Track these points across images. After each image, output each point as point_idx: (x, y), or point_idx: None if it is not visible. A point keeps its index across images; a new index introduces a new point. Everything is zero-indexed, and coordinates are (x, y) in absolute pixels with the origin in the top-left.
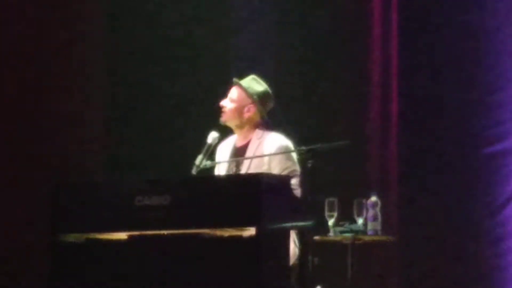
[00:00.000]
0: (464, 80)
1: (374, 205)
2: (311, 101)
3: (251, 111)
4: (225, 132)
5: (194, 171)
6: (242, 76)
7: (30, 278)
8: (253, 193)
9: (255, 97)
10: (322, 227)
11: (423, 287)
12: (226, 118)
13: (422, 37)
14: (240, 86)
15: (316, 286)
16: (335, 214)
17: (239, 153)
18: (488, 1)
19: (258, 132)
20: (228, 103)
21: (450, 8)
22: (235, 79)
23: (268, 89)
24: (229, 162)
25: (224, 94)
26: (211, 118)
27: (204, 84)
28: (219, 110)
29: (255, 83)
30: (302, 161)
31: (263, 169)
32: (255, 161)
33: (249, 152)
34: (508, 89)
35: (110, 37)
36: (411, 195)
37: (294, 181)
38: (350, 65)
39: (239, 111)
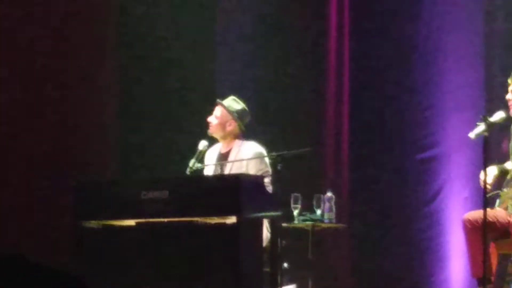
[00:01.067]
0: (401, 99)
1: (329, 199)
2: (279, 115)
3: (232, 125)
4: (212, 141)
5: (187, 171)
6: (225, 96)
7: (60, 256)
8: (234, 189)
9: (235, 114)
10: (289, 217)
11: (368, 264)
12: (213, 131)
13: (370, 60)
14: (223, 105)
15: (283, 263)
16: (299, 206)
17: (223, 158)
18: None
19: (238, 142)
20: (213, 119)
21: (395, 34)
22: (218, 100)
23: (245, 107)
24: (215, 165)
25: (210, 111)
26: (201, 130)
27: (194, 101)
28: (207, 124)
29: (234, 103)
30: (273, 164)
31: (242, 170)
32: (236, 164)
33: (231, 157)
34: (435, 108)
35: (122, 62)
36: (359, 191)
37: (267, 180)
38: (311, 88)
39: (222, 125)
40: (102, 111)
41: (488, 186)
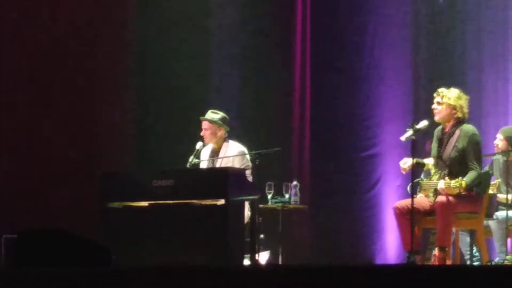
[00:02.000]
0: (350, 111)
1: (295, 186)
2: (255, 122)
3: (220, 131)
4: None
5: (188, 165)
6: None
7: (90, 229)
8: (223, 179)
9: (218, 122)
10: (264, 200)
11: (324, 236)
12: (208, 141)
13: (328, 79)
14: (206, 119)
15: (260, 235)
16: (272, 191)
17: (215, 154)
18: None
19: (226, 143)
20: (205, 132)
21: (345, 65)
22: (201, 117)
23: (224, 114)
24: (209, 160)
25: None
26: (198, 132)
27: (192, 107)
28: (202, 138)
29: (213, 114)
30: (252, 160)
31: (229, 164)
32: (224, 160)
33: (221, 154)
34: (374, 118)
35: (137, 75)
36: (318, 180)
37: (248, 172)
38: (280, 96)
39: (213, 134)
40: (123, 114)
41: (405, 170)
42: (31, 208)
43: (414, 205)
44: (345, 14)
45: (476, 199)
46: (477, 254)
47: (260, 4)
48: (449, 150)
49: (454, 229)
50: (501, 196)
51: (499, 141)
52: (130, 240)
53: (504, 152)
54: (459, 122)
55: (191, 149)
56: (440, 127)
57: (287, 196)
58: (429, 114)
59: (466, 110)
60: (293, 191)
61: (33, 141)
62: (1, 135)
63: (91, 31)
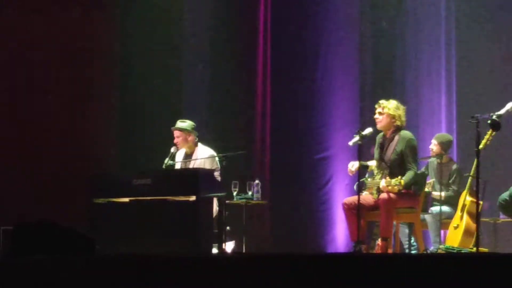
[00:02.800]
0: (306, 119)
1: (257, 184)
2: (224, 126)
3: (190, 137)
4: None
5: (163, 166)
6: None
7: (77, 222)
8: (194, 178)
9: (188, 129)
10: (230, 196)
11: (282, 228)
12: (181, 146)
13: (287, 85)
14: (176, 128)
15: (226, 227)
16: (237, 189)
17: (188, 157)
18: None
19: (197, 146)
20: (177, 139)
21: (304, 78)
22: (172, 127)
23: (191, 122)
24: (182, 162)
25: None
26: (172, 138)
27: (166, 120)
28: (175, 144)
29: (182, 123)
30: (220, 161)
31: (200, 166)
32: (196, 162)
33: (193, 157)
34: (327, 125)
35: (120, 91)
36: (277, 179)
37: (216, 173)
38: (244, 106)
39: (185, 140)
40: (107, 124)
41: (352, 172)
42: (26, 203)
43: (360, 201)
44: (302, 36)
45: (413, 196)
46: (414, 244)
47: (225, 30)
48: (390, 153)
49: (394, 222)
50: (435, 194)
51: (434, 146)
52: (113, 231)
53: (438, 156)
54: (398, 129)
55: (166, 153)
56: (381, 134)
57: (250, 193)
58: (373, 123)
59: (403, 118)
60: (255, 189)
61: (31, 145)
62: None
63: (83, 53)
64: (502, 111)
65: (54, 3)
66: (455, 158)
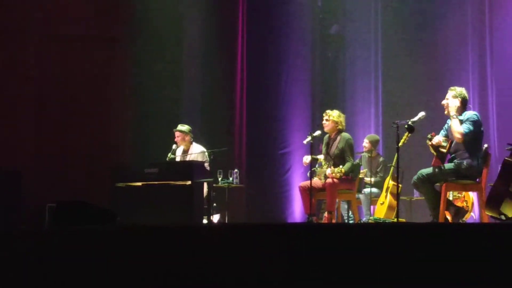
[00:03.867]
0: (273, 123)
1: (236, 173)
2: (211, 128)
3: (187, 137)
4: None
5: (167, 159)
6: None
7: (104, 202)
8: (189, 168)
9: (186, 131)
10: (216, 181)
11: (255, 205)
12: (180, 144)
13: (259, 95)
14: (178, 131)
15: (213, 204)
16: (221, 176)
17: (185, 152)
18: None
19: (192, 144)
20: (177, 138)
21: (270, 87)
22: (174, 129)
23: (188, 126)
24: (181, 156)
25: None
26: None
27: (168, 123)
28: (176, 142)
29: (182, 127)
30: (209, 155)
31: (194, 159)
32: (191, 156)
33: (189, 152)
34: (288, 128)
35: (134, 100)
36: (251, 169)
37: (206, 164)
38: (225, 111)
39: (183, 139)
40: (125, 127)
41: (305, 163)
42: (65, 186)
43: (312, 185)
44: (270, 58)
45: (351, 180)
46: (352, 216)
47: (213, 56)
48: (333, 149)
49: (337, 200)
50: (367, 179)
51: (366, 144)
52: (130, 207)
53: (369, 151)
54: (340, 131)
55: (169, 149)
56: (327, 135)
57: (231, 179)
58: (321, 127)
59: (344, 124)
60: (234, 175)
61: (69, 144)
62: (46, 140)
63: (102, 77)
64: (415, 118)
65: (82, 39)
66: (381, 153)
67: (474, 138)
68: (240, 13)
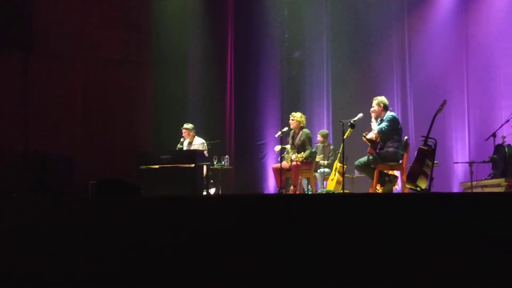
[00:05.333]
0: (253, 119)
1: (227, 158)
2: (208, 124)
3: (191, 133)
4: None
5: (177, 148)
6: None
7: (131, 179)
8: (193, 155)
9: (190, 128)
10: (212, 164)
11: (242, 181)
12: (186, 137)
13: (243, 97)
14: (185, 128)
15: (211, 180)
16: (216, 160)
17: (190, 144)
18: None
19: (194, 138)
20: (184, 134)
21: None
22: (181, 127)
23: (192, 124)
24: (187, 146)
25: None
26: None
27: (178, 121)
28: (183, 136)
29: (187, 125)
30: (207, 145)
31: (196, 149)
32: (194, 146)
33: (193, 143)
34: (264, 125)
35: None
36: (238, 155)
37: (205, 152)
38: (219, 111)
39: (188, 134)
40: (146, 121)
41: (276, 151)
42: (102, 168)
43: (282, 166)
44: (251, 73)
45: (310, 163)
46: (310, 188)
47: (209, 69)
48: (297, 141)
49: (300, 177)
50: (321, 162)
51: (319, 137)
52: (150, 183)
53: (322, 142)
54: (302, 128)
55: (178, 140)
56: (293, 131)
57: (223, 162)
58: (288, 125)
59: (304, 122)
60: (225, 160)
61: (106, 136)
62: (91, 134)
63: (129, 90)
64: (355, 118)
65: (112, 62)
66: (331, 143)
67: (392, 133)
68: (229, 39)
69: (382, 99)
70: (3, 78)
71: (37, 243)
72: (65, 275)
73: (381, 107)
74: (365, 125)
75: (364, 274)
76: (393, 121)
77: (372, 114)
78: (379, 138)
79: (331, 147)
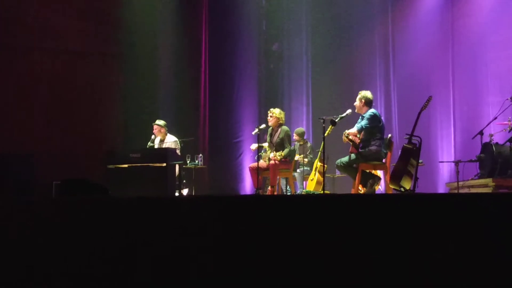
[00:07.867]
0: (230, 117)
1: (200, 157)
2: (181, 122)
3: (163, 130)
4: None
5: (147, 146)
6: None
7: (98, 179)
8: (164, 153)
9: (162, 125)
10: (185, 163)
11: (216, 181)
12: (157, 134)
13: (218, 96)
14: (156, 124)
15: (183, 181)
16: (189, 159)
17: (161, 142)
18: None
19: (167, 135)
20: (155, 130)
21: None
22: (153, 123)
23: (164, 121)
24: (158, 144)
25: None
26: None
27: (149, 118)
28: (155, 132)
29: (159, 121)
30: (180, 143)
31: (168, 147)
32: (166, 144)
33: (165, 141)
34: (241, 122)
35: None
36: (212, 154)
37: (178, 151)
38: (193, 110)
39: (159, 131)
40: (114, 117)
41: (253, 149)
42: (68, 168)
43: (259, 166)
44: (226, 68)
45: (288, 162)
46: (289, 189)
47: (184, 67)
48: (275, 139)
49: (278, 177)
50: (300, 161)
51: (295, 136)
52: (118, 184)
53: (298, 141)
54: (280, 125)
55: (149, 138)
56: (271, 128)
57: (196, 161)
58: (266, 122)
59: (284, 119)
60: (199, 159)
61: (70, 132)
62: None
63: (96, 84)
64: (343, 114)
65: (78, 55)
66: (311, 141)
67: (373, 130)
68: (203, 30)
69: (366, 94)
70: None
71: None
72: (27, 277)
73: (362, 102)
74: (349, 123)
75: (347, 278)
76: (373, 118)
77: (357, 111)
78: (360, 137)
79: (309, 144)
